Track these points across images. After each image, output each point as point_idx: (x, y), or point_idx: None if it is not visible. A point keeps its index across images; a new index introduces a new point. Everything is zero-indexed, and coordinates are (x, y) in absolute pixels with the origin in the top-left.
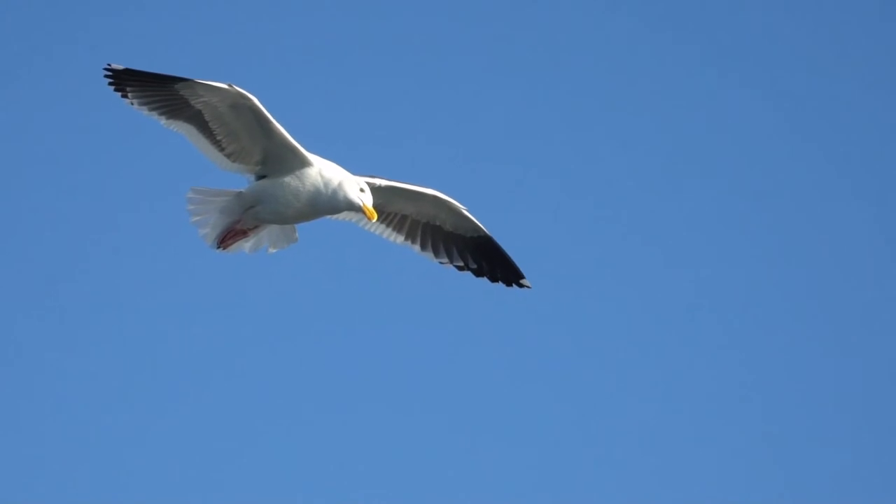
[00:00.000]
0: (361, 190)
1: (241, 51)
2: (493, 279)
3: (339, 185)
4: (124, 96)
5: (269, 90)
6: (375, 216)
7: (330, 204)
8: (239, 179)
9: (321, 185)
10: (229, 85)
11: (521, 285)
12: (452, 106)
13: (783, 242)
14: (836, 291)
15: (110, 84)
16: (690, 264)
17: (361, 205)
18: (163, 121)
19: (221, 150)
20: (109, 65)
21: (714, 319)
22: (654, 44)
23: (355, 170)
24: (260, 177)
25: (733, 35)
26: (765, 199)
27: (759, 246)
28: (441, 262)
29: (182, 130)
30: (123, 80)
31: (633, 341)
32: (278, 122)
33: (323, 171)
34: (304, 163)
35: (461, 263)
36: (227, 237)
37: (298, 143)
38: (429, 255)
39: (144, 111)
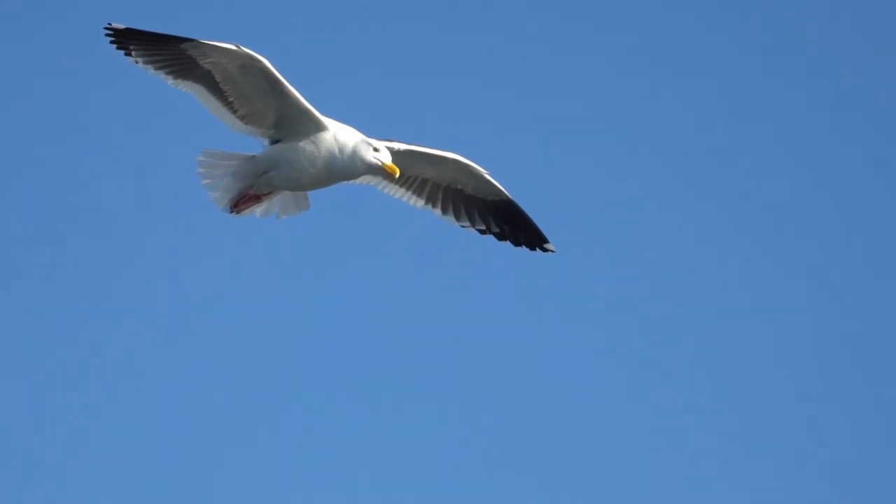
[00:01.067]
0: (376, 150)
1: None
2: (517, 243)
3: (356, 148)
4: (128, 54)
5: (278, 54)
6: (398, 172)
7: (347, 169)
8: (251, 143)
9: (336, 150)
10: (237, 46)
11: (545, 249)
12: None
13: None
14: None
15: (112, 43)
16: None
17: (380, 164)
18: (170, 80)
19: (234, 112)
20: (110, 24)
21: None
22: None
23: (372, 134)
24: (274, 141)
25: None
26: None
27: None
28: (462, 226)
29: (192, 91)
30: (126, 38)
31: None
32: (291, 84)
33: (338, 134)
34: (319, 126)
35: (483, 227)
36: (240, 202)
37: (312, 105)
38: (450, 218)
39: (150, 70)
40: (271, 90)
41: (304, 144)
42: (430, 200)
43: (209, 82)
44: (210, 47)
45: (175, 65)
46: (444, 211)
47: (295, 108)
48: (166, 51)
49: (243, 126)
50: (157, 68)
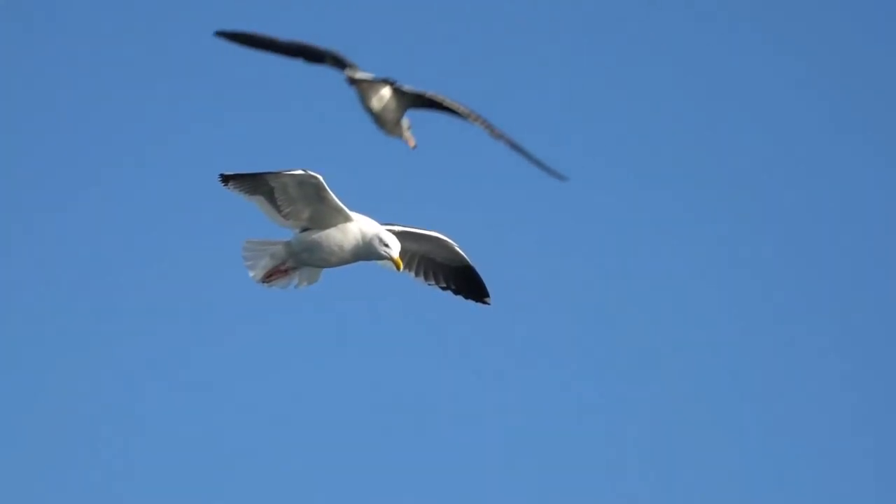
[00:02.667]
0: (387, 245)
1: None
2: (466, 298)
3: (372, 240)
4: (224, 185)
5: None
6: (401, 266)
7: (367, 254)
8: (283, 230)
9: (360, 239)
10: (304, 171)
11: (484, 302)
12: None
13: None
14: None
15: (221, 182)
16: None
17: (389, 257)
18: (244, 198)
19: (279, 211)
20: (222, 174)
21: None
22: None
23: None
24: (304, 229)
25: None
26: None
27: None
28: (429, 284)
29: (255, 202)
30: (229, 180)
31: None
32: (333, 191)
33: (362, 226)
34: (347, 219)
35: (444, 286)
36: (270, 276)
37: (343, 203)
38: (420, 279)
39: (235, 193)
40: (316, 196)
41: (333, 232)
42: (408, 266)
43: (269, 194)
44: (286, 175)
45: (253, 187)
46: (417, 274)
47: (332, 207)
48: (253, 180)
49: (284, 222)
50: (240, 192)
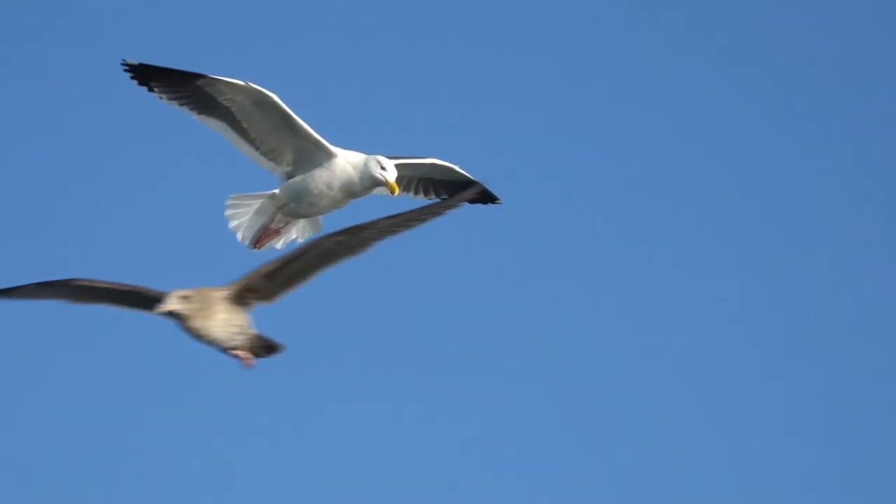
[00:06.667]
0: (383, 168)
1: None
2: (472, 202)
3: (366, 165)
4: (150, 90)
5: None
6: (398, 191)
7: (361, 186)
8: (272, 181)
9: (352, 171)
10: (245, 82)
11: (494, 201)
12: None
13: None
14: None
15: (132, 78)
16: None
17: (385, 180)
18: (194, 115)
19: (256, 148)
20: (125, 60)
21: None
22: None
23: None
24: (289, 177)
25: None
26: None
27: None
28: (429, 199)
29: (217, 129)
30: (144, 74)
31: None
32: (301, 118)
33: (349, 157)
34: (330, 154)
35: (445, 196)
36: (261, 238)
37: (321, 136)
38: (420, 197)
39: (175, 105)
40: (284, 124)
41: (319, 172)
42: (407, 189)
43: (231, 119)
44: (222, 83)
45: (196, 100)
46: (416, 194)
47: (308, 140)
48: (184, 87)
49: (266, 162)
50: (180, 104)
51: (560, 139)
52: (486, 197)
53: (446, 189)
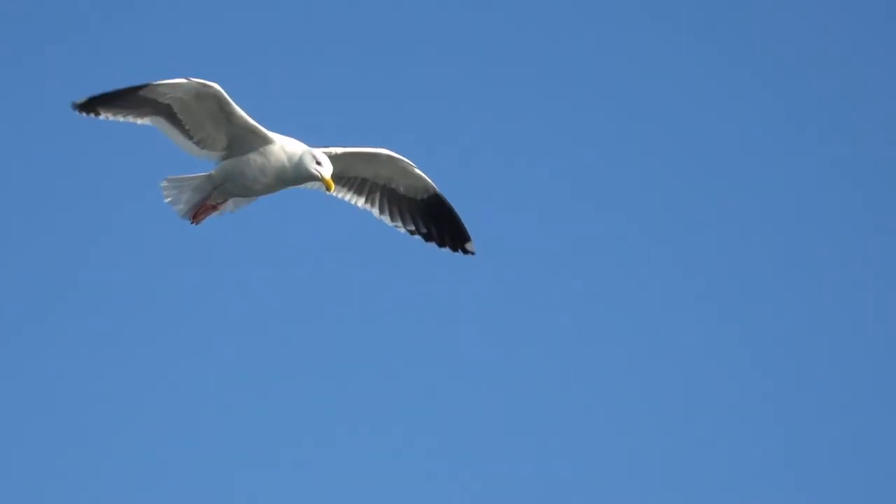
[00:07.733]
0: (319, 163)
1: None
2: (441, 244)
3: (301, 158)
4: (97, 116)
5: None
6: (332, 187)
7: (294, 177)
8: (208, 166)
9: (285, 160)
10: (187, 79)
11: (465, 251)
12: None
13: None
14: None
15: (80, 113)
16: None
17: (320, 176)
18: (137, 121)
19: (190, 138)
20: (73, 102)
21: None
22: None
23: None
24: (225, 158)
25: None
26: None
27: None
28: (395, 226)
29: (154, 123)
30: (91, 106)
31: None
32: (240, 106)
33: (286, 146)
34: (266, 140)
35: (412, 227)
36: (198, 212)
37: (259, 123)
38: (385, 218)
39: (119, 119)
40: (221, 113)
41: (255, 157)
42: (369, 200)
43: (168, 114)
44: (164, 86)
45: (137, 109)
46: (381, 211)
47: (244, 127)
48: (128, 101)
49: (200, 151)
50: (124, 117)
51: (560, 139)
52: (456, 242)
53: (409, 210)
